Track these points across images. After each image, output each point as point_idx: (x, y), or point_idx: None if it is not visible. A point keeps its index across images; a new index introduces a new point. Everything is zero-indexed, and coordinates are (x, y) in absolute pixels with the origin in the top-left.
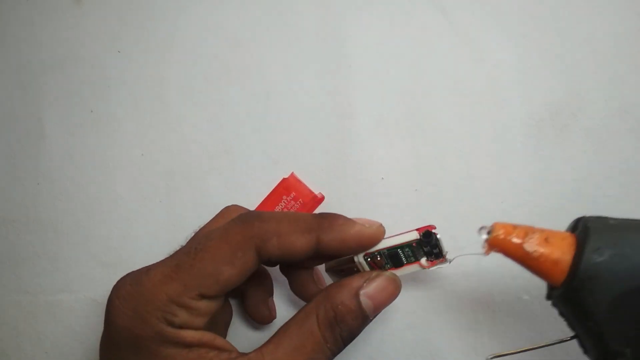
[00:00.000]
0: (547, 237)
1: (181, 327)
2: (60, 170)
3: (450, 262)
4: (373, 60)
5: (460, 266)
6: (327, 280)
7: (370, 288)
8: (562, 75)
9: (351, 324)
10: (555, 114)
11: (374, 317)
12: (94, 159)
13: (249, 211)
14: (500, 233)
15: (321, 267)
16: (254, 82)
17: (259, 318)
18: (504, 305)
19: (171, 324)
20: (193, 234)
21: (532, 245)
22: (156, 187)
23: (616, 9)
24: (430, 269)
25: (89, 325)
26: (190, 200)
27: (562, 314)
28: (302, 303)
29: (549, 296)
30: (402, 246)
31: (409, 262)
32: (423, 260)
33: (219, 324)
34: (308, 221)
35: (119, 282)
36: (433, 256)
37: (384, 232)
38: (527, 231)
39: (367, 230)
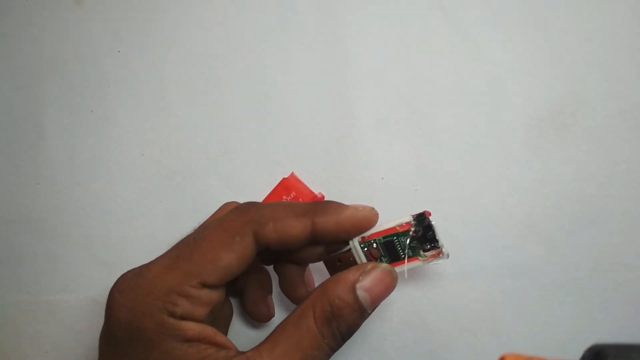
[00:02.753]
0: None
1: (183, 317)
2: (60, 170)
3: (448, 257)
4: (373, 60)
5: (459, 266)
6: (320, 279)
7: (367, 281)
8: (562, 75)
9: (348, 318)
10: (555, 114)
11: (372, 310)
12: (94, 159)
13: (246, 202)
14: None
15: (314, 267)
16: (254, 82)
17: (257, 316)
18: (504, 304)
19: (172, 315)
20: (193, 231)
21: None
22: (156, 187)
23: (616, 9)
24: (429, 263)
25: (89, 325)
26: (190, 200)
27: None
28: None
29: None
30: (397, 234)
31: (407, 258)
32: (420, 254)
33: (220, 322)
34: (302, 206)
35: (120, 277)
36: (428, 244)
37: (377, 214)
38: None
39: (360, 211)
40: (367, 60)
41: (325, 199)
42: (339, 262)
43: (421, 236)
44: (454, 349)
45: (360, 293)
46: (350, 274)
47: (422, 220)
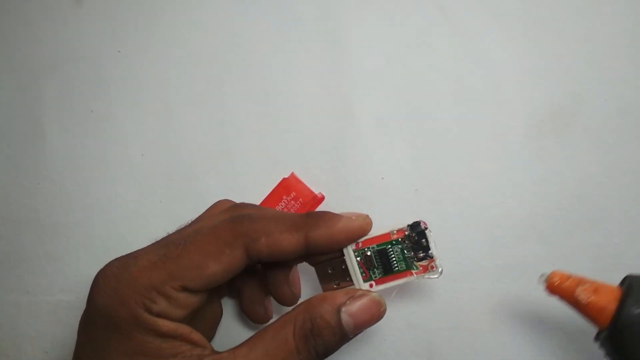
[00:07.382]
0: (596, 287)
1: (159, 315)
2: (60, 170)
3: (441, 273)
4: (373, 61)
5: (459, 266)
6: (307, 281)
7: (354, 306)
8: (562, 75)
9: (327, 339)
10: (555, 114)
11: (354, 336)
12: (94, 159)
13: (240, 210)
14: (556, 280)
15: (302, 268)
16: (254, 82)
17: (254, 317)
18: (504, 304)
19: (149, 311)
20: (184, 226)
21: (583, 293)
22: (156, 187)
23: (616, 9)
24: (422, 277)
25: None
26: (190, 200)
27: (607, 354)
28: None
29: (596, 338)
30: (391, 242)
31: (399, 272)
32: (413, 266)
33: (207, 323)
34: (296, 220)
35: (107, 263)
36: (421, 252)
37: (371, 223)
38: (579, 281)
39: (354, 222)
40: (367, 60)
41: (326, 199)
42: (331, 270)
43: (414, 242)
44: (454, 349)
45: (345, 317)
46: (338, 296)
47: (415, 226)
